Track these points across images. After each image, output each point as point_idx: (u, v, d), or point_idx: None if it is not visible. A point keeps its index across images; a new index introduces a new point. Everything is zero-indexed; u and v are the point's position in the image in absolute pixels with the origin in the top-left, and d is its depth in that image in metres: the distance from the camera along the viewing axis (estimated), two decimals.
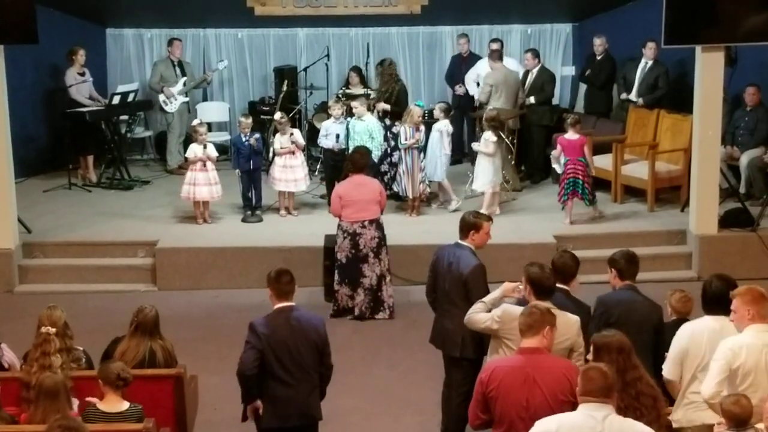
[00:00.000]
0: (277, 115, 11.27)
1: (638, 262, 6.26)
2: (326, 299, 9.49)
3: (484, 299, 6.07)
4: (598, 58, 12.55)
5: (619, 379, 4.83)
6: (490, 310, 5.93)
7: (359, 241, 9.05)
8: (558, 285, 5.91)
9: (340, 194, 9.17)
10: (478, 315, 5.95)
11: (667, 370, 5.58)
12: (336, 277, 9.20)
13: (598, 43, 12.51)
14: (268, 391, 5.77)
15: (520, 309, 5.69)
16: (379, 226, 9.17)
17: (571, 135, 10.53)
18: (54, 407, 5.28)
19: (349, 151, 10.61)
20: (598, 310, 6.06)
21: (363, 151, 9.62)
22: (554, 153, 10.78)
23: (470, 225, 6.62)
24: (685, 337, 5.57)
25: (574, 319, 5.61)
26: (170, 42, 13.15)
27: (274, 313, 5.77)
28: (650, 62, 11.93)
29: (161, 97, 12.94)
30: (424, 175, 10.96)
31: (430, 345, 6.94)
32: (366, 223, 9.06)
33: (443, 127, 11.06)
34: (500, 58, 12.34)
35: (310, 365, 5.78)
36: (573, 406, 4.66)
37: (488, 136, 10.71)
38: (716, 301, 5.59)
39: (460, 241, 6.65)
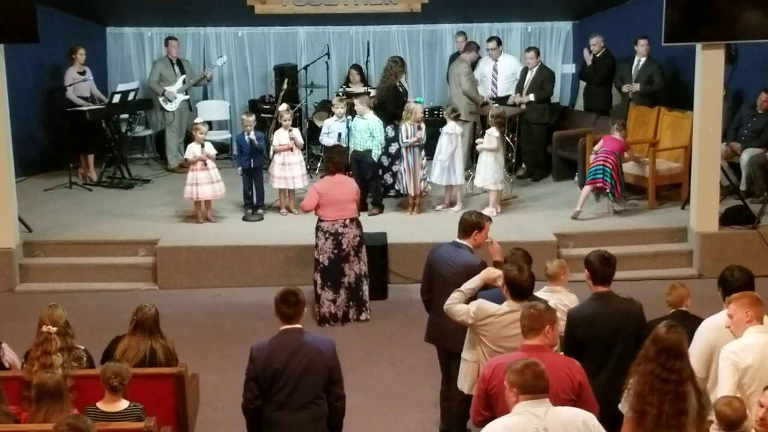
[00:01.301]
0: (282, 107, 11.24)
1: (614, 264, 5.99)
2: None
3: (461, 288, 6.02)
4: (597, 55, 12.55)
5: (659, 380, 4.69)
6: (468, 300, 5.90)
7: (342, 240, 8.94)
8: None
9: (318, 191, 8.99)
10: (456, 306, 5.90)
11: (697, 368, 5.30)
12: (318, 280, 9.03)
13: (594, 42, 12.53)
14: (265, 416, 5.46)
15: (494, 306, 5.67)
16: (359, 225, 9.10)
17: (616, 136, 10.74)
18: (58, 407, 5.28)
19: (351, 149, 10.65)
20: (567, 326, 5.89)
21: (341, 151, 9.57)
22: (596, 147, 10.84)
23: (473, 225, 6.60)
24: (710, 333, 5.50)
25: None
26: (166, 41, 13.16)
27: (278, 336, 5.47)
28: (643, 59, 11.93)
29: (161, 97, 12.95)
30: (425, 173, 10.96)
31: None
32: (347, 221, 8.97)
33: (450, 130, 10.98)
34: (467, 50, 12.47)
35: (312, 392, 5.40)
36: (574, 404, 4.66)
37: (492, 132, 10.71)
38: (743, 291, 5.50)
39: (458, 241, 6.64)
